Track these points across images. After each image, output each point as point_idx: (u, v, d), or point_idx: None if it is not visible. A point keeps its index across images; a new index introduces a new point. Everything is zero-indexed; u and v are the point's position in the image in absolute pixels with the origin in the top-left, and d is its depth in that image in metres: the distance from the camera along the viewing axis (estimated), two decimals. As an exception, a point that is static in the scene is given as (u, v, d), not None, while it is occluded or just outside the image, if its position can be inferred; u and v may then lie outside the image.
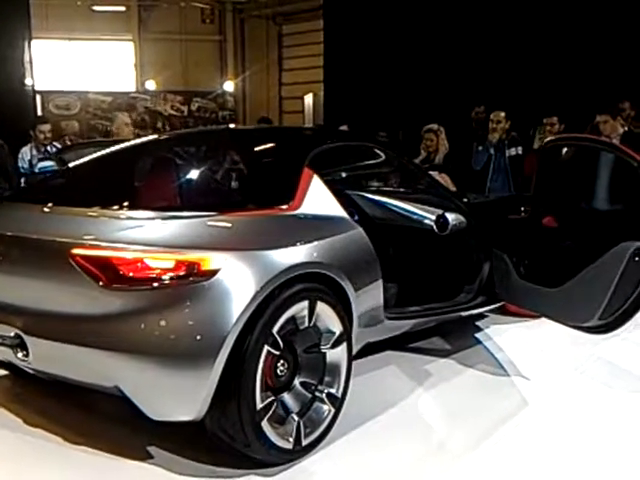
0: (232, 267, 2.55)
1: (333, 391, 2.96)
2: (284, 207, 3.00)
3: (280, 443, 2.72)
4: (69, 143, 8.89)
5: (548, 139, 4.04)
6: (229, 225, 2.80)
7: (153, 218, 2.74)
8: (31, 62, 9.62)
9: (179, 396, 2.54)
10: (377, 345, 3.66)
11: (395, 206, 4.42)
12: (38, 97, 13.43)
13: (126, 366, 2.49)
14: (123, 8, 17.03)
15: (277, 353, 2.68)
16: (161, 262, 2.50)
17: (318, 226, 3.06)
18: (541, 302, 3.63)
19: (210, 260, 2.52)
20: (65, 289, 2.60)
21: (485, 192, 6.74)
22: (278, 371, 2.78)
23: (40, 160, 6.34)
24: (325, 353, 2.93)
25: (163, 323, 2.47)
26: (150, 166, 3.68)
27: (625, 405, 3.42)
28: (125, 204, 2.89)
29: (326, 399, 2.92)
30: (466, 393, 3.56)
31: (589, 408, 3.40)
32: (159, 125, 15.61)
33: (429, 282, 4.17)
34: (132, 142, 4.25)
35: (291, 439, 2.75)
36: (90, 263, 2.51)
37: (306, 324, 2.81)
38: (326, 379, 2.95)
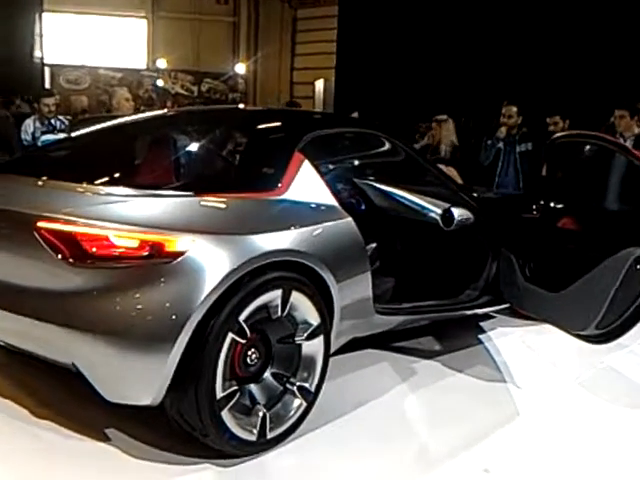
0: (199, 250, 2.47)
1: (306, 385, 2.84)
2: (268, 192, 2.91)
3: (242, 434, 2.62)
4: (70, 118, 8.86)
5: (557, 135, 3.90)
6: (203, 207, 2.72)
7: (127, 195, 2.67)
8: (41, 35, 9.59)
9: (135, 379, 2.47)
10: (358, 342, 3.49)
11: (400, 196, 4.28)
12: (48, 70, 13.43)
13: (83, 344, 2.44)
14: (138, -16, 16.93)
15: (243, 342, 2.59)
16: (125, 240, 2.44)
17: (301, 213, 2.94)
18: (542, 306, 3.51)
19: (175, 241, 2.45)
20: (30, 262, 2.55)
21: (493, 187, 6.64)
22: (248, 360, 2.70)
23: (43, 133, 6.27)
24: (300, 345, 2.82)
25: (122, 302, 2.41)
26: (137, 143, 3.60)
27: (621, 421, 3.21)
28: (103, 180, 2.82)
29: (298, 392, 2.81)
30: (450, 398, 3.34)
31: (582, 423, 3.19)
32: (168, 104, 15.52)
33: (430, 278, 4.03)
34: (125, 119, 4.16)
35: (255, 431, 2.65)
36: (54, 237, 2.47)
37: (279, 314, 2.71)
38: (300, 372, 2.84)
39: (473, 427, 3.06)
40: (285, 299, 2.69)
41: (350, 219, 3.12)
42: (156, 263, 2.43)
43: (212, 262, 2.48)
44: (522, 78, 8.55)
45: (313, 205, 3.02)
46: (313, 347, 2.85)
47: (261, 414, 2.67)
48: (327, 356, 2.94)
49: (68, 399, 3.01)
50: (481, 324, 4.34)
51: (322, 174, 3.26)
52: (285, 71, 17.54)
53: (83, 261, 2.44)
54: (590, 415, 3.26)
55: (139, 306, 2.41)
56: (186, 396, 2.49)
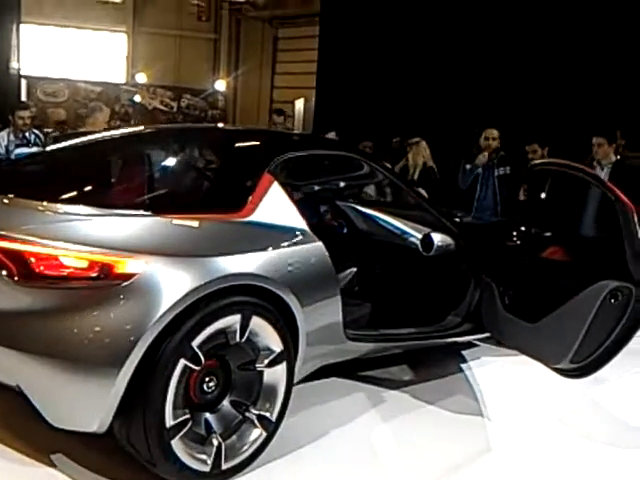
0: (152, 272, 2.39)
1: (267, 414, 2.73)
2: (233, 213, 2.82)
3: (194, 465, 2.51)
4: (49, 130, 8.74)
5: (535, 162, 3.88)
6: (161, 228, 2.63)
7: (85, 215, 2.59)
8: (18, 46, 9.45)
9: (80, 404, 2.38)
10: (325, 370, 3.37)
11: (379, 220, 4.26)
12: (25, 82, 13.27)
13: (26, 366, 2.36)
14: (119, -1, 16.89)
15: (197, 368, 2.49)
16: (74, 260, 2.36)
17: (266, 236, 2.85)
18: (518, 336, 3.42)
19: (125, 263, 2.37)
20: None
21: (472, 211, 6.65)
22: (205, 387, 2.61)
23: (17, 146, 6.16)
24: (262, 372, 2.72)
25: (67, 324, 2.33)
26: (105, 161, 3.50)
27: (596, 459, 3.07)
28: (64, 198, 2.73)
29: (258, 422, 2.70)
30: (418, 430, 3.20)
31: (554, 460, 3.04)
32: (144, 119, 15.44)
33: (408, 304, 3.94)
34: (97, 136, 4.08)
35: (209, 461, 2.54)
36: (4, 256, 2.38)
37: (237, 339, 2.61)
38: (261, 400, 2.73)
39: (439, 461, 2.94)
40: (244, 324, 2.60)
41: (319, 243, 3.03)
42: (105, 285, 2.35)
43: (165, 285, 2.39)
44: (500, 104, 8.61)
45: (280, 228, 2.93)
46: (275, 375, 2.75)
47: (216, 443, 2.56)
48: (290, 384, 2.84)
49: (16, 420, 2.87)
50: (463, 353, 4.23)
51: (292, 196, 3.19)
52: (265, 89, 17.55)
53: (29, 280, 2.35)
54: (564, 451, 3.14)
55: (85, 328, 2.32)
56: (134, 423, 2.39)
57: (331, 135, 7.91)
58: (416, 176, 7.17)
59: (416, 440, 3.14)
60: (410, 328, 3.66)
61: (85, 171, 3.31)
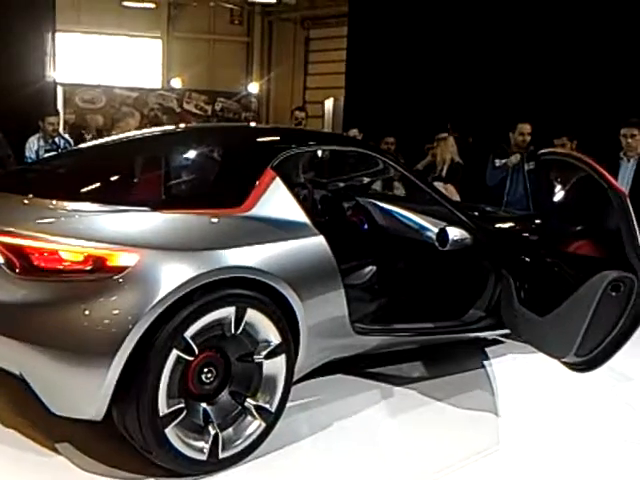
0: (145, 265, 2.48)
1: (267, 405, 2.79)
2: (232, 208, 2.88)
3: (190, 453, 2.59)
4: (88, 136, 8.94)
5: (542, 151, 3.82)
6: (155, 222, 2.71)
7: (83, 210, 2.70)
8: (54, 54, 9.68)
9: (76, 391, 2.49)
10: (334, 366, 3.38)
11: (396, 214, 4.26)
12: (62, 90, 13.59)
13: (27, 355, 2.48)
14: (153, 5, 17.14)
15: (190, 359, 2.56)
16: (70, 254, 2.48)
17: (264, 230, 2.89)
18: (529, 330, 3.39)
19: (118, 256, 2.47)
20: None
21: (502, 206, 6.56)
22: (204, 378, 2.67)
23: (47, 152, 6.33)
24: (261, 364, 2.77)
25: (63, 315, 2.45)
26: (114, 161, 3.58)
27: (610, 460, 2.99)
28: (66, 195, 2.83)
29: (257, 413, 2.76)
30: (424, 427, 3.17)
31: (566, 459, 2.98)
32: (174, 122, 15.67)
33: (424, 298, 3.93)
34: (112, 138, 4.22)
35: (206, 450, 2.61)
36: (6, 250, 2.51)
37: (232, 331, 2.67)
38: (261, 392, 2.78)
39: (441, 459, 2.91)
40: (239, 317, 2.66)
41: (321, 237, 3.05)
42: (99, 277, 2.45)
43: (157, 278, 2.48)
44: (530, 98, 8.50)
45: (279, 222, 2.97)
46: (275, 366, 2.80)
47: (213, 433, 2.63)
48: (290, 376, 2.88)
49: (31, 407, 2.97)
50: (487, 350, 4.16)
51: (296, 192, 3.23)
52: (298, 90, 17.62)
53: (30, 274, 2.48)
54: (576, 451, 3.07)
55: (80, 319, 2.43)
56: (129, 411, 2.48)
57: (354, 132, 7.88)
58: (444, 172, 7.14)
59: (419, 436, 3.12)
60: (426, 323, 3.64)
61: (93, 170, 3.42)
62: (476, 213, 4.00)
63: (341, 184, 4.51)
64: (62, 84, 13.30)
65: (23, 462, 2.71)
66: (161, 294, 2.45)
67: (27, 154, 6.44)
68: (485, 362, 4.00)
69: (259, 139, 3.71)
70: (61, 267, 2.47)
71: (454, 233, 3.43)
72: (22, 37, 8.94)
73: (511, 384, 3.75)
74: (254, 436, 2.76)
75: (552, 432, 3.26)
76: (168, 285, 2.47)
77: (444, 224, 3.57)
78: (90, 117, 15.79)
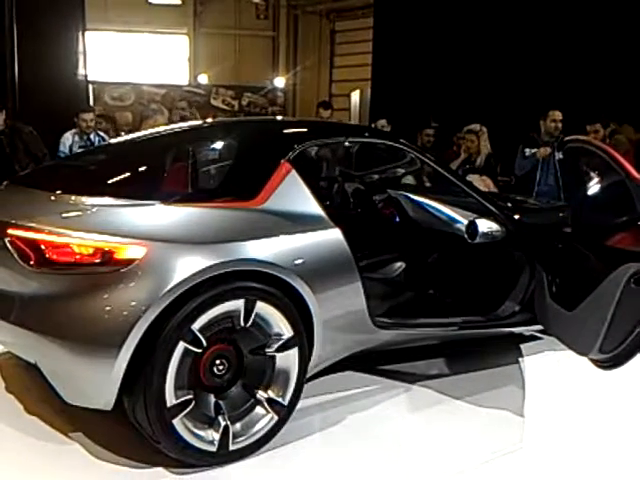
0: (152, 258, 2.52)
1: (279, 398, 2.79)
2: (245, 201, 2.89)
3: (200, 445, 2.62)
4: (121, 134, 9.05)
5: (566, 138, 3.74)
6: (166, 216, 2.75)
7: (96, 205, 2.74)
8: (85, 52, 9.80)
9: (86, 381, 2.55)
10: (349, 362, 3.33)
11: (426, 206, 4.23)
12: (92, 87, 13.76)
13: (41, 345, 2.55)
14: (179, 1, 17.27)
15: (198, 351, 2.59)
16: (81, 248, 2.54)
17: (276, 223, 2.87)
18: (558, 325, 3.33)
19: (125, 249, 2.52)
20: (4, 268, 2.69)
21: (532, 195, 6.48)
22: (215, 370, 2.70)
23: (81, 148, 6.43)
24: (274, 357, 2.77)
25: (73, 307, 2.52)
26: (133, 157, 3.59)
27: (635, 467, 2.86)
28: (83, 190, 2.87)
29: (269, 406, 2.77)
30: (441, 424, 3.09)
31: (588, 463, 2.88)
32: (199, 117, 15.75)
33: (452, 292, 3.88)
34: (135, 134, 4.26)
35: (216, 442, 2.64)
36: (22, 243, 2.59)
37: (242, 324, 2.68)
38: (273, 385, 2.79)
39: (455, 459, 2.87)
40: (249, 309, 2.67)
41: (336, 229, 3.02)
42: (107, 270, 2.51)
43: (163, 270, 2.52)
44: (561, 85, 8.41)
45: (293, 215, 2.96)
46: (287, 360, 2.80)
47: (223, 425, 2.65)
48: (303, 370, 2.86)
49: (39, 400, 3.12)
50: (521, 346, 4.06)
51: (313, 184, 3.19)
52: (324, 84, 17.61)
53: (43, 267, 2.55)
54: (600, 454, 2.96)
55: (88, 311, 2.49)
56: (137, 402, 2.53)
57: (382, 123, 7.76)
58: (480, 164, 7.01)
59: (436, 434, 3.07)
60: (454, 317, 3.59)
61: (111, 166, 3.46)
62: (508, 204, 3.96)
63: (375, 177, 4.50)
64: (92, 82, 13.47)
65: (41, 449, 2.80)
66: (167, 286, 2.49)
67: (61, 148, 6.53)
68: (519, 359, 3.90)
69: (276, 132, 3.69)
70: (73, 260, 2.54)
71: (484, 225, 3.38)
72: (54, 37, 9.08)
73: (541, 383, 3.65)
74: (266, 429, 2.78)
75: (578, 434, 3.14)
76: (174, 277, 2.51)
77: (475, 216, 3.53)
78: (119, 114, 15.97)
